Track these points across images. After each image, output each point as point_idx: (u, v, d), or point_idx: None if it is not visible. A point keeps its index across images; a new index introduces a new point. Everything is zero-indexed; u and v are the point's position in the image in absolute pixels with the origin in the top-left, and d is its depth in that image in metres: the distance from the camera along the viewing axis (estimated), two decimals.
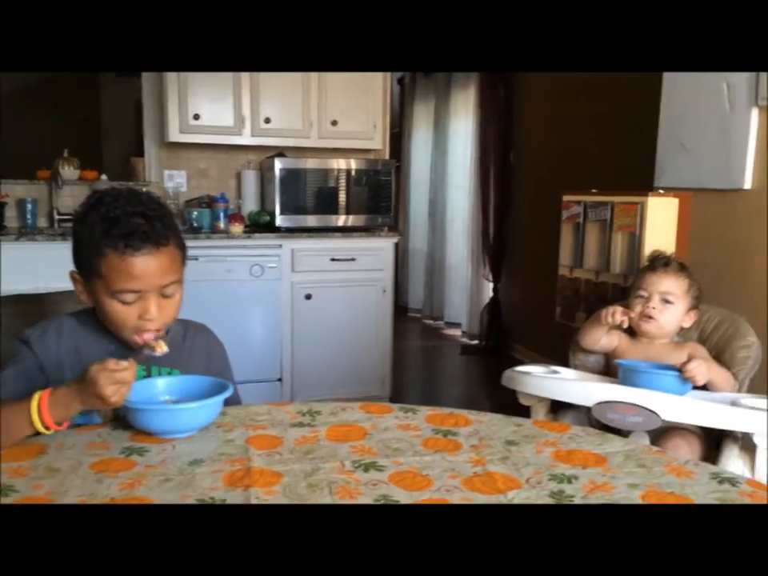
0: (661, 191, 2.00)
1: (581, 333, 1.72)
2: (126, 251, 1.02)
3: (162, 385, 1.10)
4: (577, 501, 0.83)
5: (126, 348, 1.11)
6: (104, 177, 3.48)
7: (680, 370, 1.46)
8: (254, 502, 0.81)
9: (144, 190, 1.23)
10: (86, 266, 1.07)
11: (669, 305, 1.64)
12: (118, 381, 0.94)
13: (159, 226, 1.06)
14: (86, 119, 5.47)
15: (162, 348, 1.07)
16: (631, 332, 1.71)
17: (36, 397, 0.96)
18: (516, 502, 0.83)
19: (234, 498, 0.83)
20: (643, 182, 2.26)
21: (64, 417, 0.98)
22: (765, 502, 0.84)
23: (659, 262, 1.68)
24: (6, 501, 0.81)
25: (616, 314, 1.61)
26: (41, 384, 1.03)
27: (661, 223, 1.90)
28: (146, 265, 1.04)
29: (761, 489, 0.89)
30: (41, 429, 0.96)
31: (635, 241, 1.91)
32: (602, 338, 1.68)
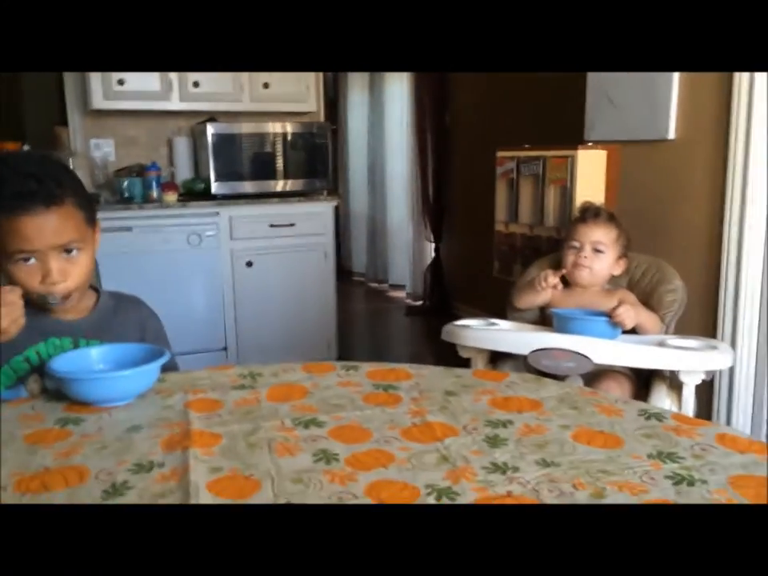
0: (590, 144, 2.04)
1: (515, 296, 1.77)
2: (14, 212, 1.01)
3: (96, 354, 1.08)
4: (510, 444, 0.86)
5: (53, 323, 1.09)
6: (26, 148, 3.33)
7: (610, 315, 1.52)
8: (191, 462, 0.81)
9: (46, 154, 1.20)
10: None
11: (600, 254, 1.69)
12: (6, 303, 0.94)
13: (52, 185, 1.04)
14: (5, 87, 5.18)
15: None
16: (565, 282, 1.76)
17: None
18: (452, 448, 0.85)
19: (173, 460, 0.82)
20: (574, 137, 2.30)
21: None
22: (690, 435, 0.89)
23: (589, 213, 1.73)
24: None
25: (549, 277, 1.66)
26: None
27: (590, 175, 1.95)
28: (38, 224, 1.02)
29: (685, 423, 0.94)
30: None
31: (567, 194, 1.96)
32: (536, 300, 1.73)
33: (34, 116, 5.14)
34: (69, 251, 1.07)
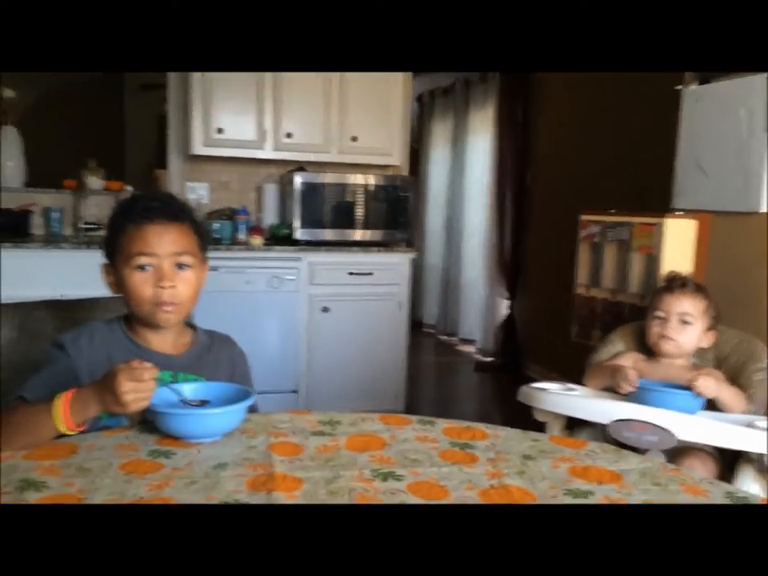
0: (679, 213, 2.01)
1: (589, 376, 1.72)
2: (141, 222, 1.15)
3: (187, 390, 1.13)
4: None
5: (154, 357, 1.15)
6: (129, 188, 3.55)
7: (689, 384, 1.48)
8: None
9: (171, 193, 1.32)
10: (111, 248, 1.18)
11: (687, 325, 1.65)
12: (137, 378, 0.97)
13: (176, 207, 1.20)
14: (109, 129, 5.56)
15: None
16: (649, 352, 1.72)
17: (60, 397, 0.99)
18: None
19: (257, 501, 0.85)
20: (660, 203, 2.28)
21: (83, 418, 1.00)
22: None
23: (676, 282, 1.70)
24: (39, 496, 0.84)
25: (633, 380, 1.54)
26: (72, 388, 1.07)
27: (679, 244, 1.92)
28: (160, 231, 1.15)
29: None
30: (62, 429, 0.99)
31: (653, 261, 1.93)
32: (610, 384, 1.64)
33: (134, 158, 5.50)
34: (181, 266, 1.17)
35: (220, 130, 3.33)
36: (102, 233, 2.87)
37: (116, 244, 1.17)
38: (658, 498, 0.91)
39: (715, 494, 0.94)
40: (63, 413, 0.98)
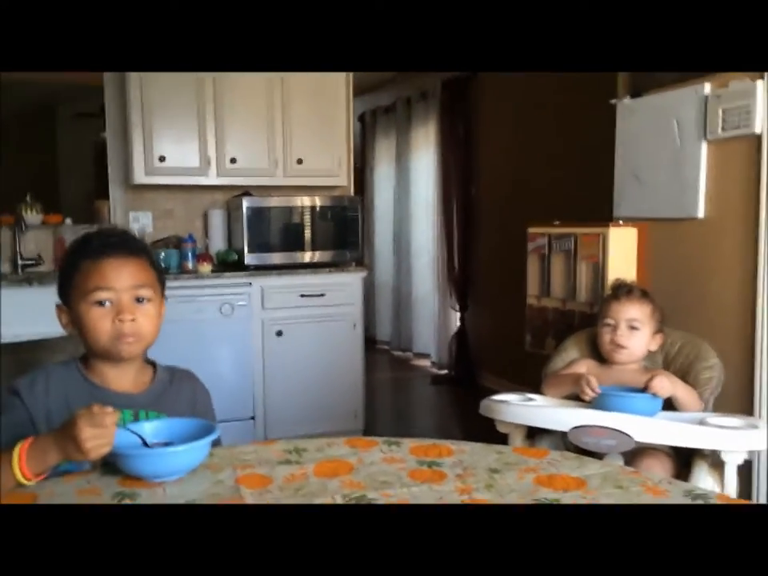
0: (620, 222, 2.09)
1: (548, 385, 1.76)
2: (99, 257, 1.13)
3: (148, 429, 1.11)
4: None
5: (114, 397, 1.13)
6: (68, 221, 3.47)
7: (646, 386, 1.53)
8: None
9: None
10: (66, 285, 1.16)
11: (635, 330, 1.71)
12: (98, 424, 0.95)
13: (133, 242, 1.20)
14: (43, 161, 5.40)
15: None
16: (601, 358, 1.77)
17: (18, 447, 0.96)
18: None
19: None
20: (601, 212, 2.36)
21: (42, 467, 0.97)
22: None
23: (622, 290, 1.76)
24: None
25: (594, 386, 1.57)
26: (30, 435, 1.04)
27: (621, 252, 1.99)
28: (117, 266, 1.14)
29: (730, 503, 0.94)
30: (21, 480, 0.96)
31: (599, 270, 2.00)
32: (570, 391, 1.68)
33: (72, 189, 5.35)
34: (140, 300, 1.15)
35: (162, 158, 3.28)
36: (43, 268, 2.78)
37: (71, 282, 1.15)
38: (621, 499, 0.94)
39: (674, 492, 0.97)
40: (20, 462, 0.95)
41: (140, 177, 3.29)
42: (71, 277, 1.15)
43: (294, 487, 1.00)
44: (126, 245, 1.17)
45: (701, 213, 2.03)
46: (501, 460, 1.12)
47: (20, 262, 3.29)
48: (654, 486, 1.00)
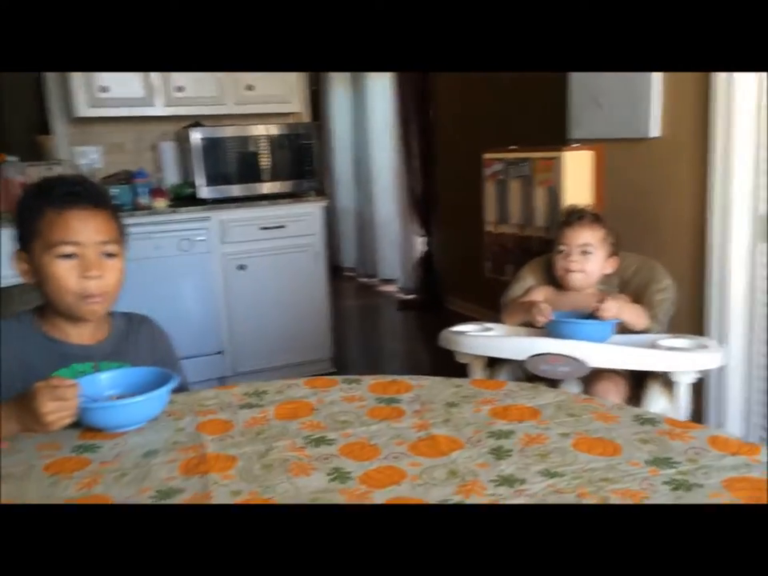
0: (575, 145, 2.08)
1: (506, 314, 1.78)
2: (63, 207, 1.09)
3: (106, 380, 1.11)
4: (515, 456, 0.90)
5: (72, 350, 1.11)
6: (13, 158, 3.32)
7: (594, 313, 1.57)
8: (212, 488, 0.84)
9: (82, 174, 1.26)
10: (26, 233, 1.11)
11: (588, 255, 1.73)
12: (59, 397, 0.94)
13: (96, 192, 1.15)
14: None
15: None
16: (558, 284, 1.80)
17: None
18: (459, 462, 0.89)
19: (192, 485, 0.85)
20: (558, 134, 2.34)
21: (2, 435, 0.97)
22: (683, 438, 0.93)
23: (573, 216, 1.77)
24: None
25: (547, 313, 1.60)
26: None
27: (577, 176, 1.99)
28: (83, 219, 1.10)
29: (678, 426, 0.98)
30: None
31: (555, 194, 2.00)
32: (527, 319, 1.70)
33: (11, 125, 5.10)
34: (106, 255, 1.13)
35: (104, 89, 3.13)
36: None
37: (33, 229, 1.10)
38: (572, 429, 0.98)
39: (624, 418, 1.01)
40: None
41: (83, 109, 3.15)
42: (33, 224, 1.10)
43: (255, 431, 1.02)
44: (91, 195, 1.13)
45: (654, 132, 2.03)
46: (458, 393, 1.14)
47: None
48: (605, 413, 1.03)
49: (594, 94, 2.15)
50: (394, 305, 4.91)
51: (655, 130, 2.03)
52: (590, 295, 1.74)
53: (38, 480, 0.89)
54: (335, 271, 5.73)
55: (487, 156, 2.23)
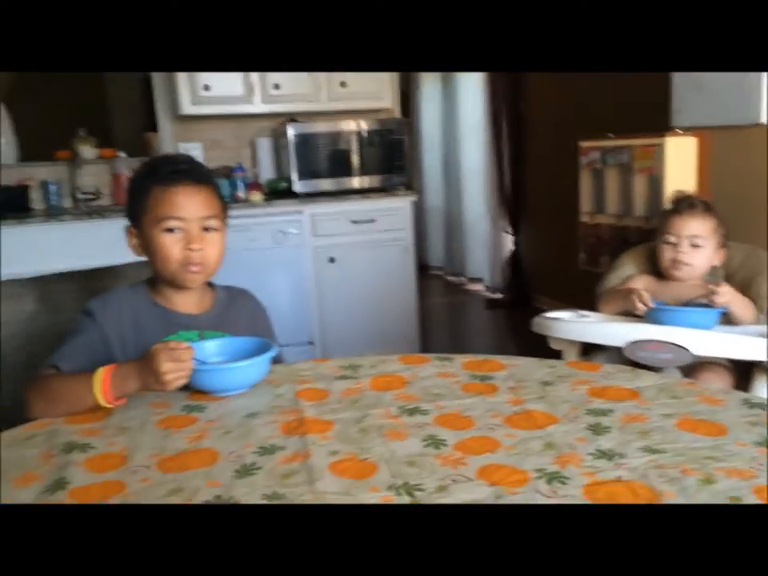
0: (679, 131, 2.00)
1: (602, 303, 1.72)
2: (169, 184, 1.16)
3: (212, 347, 1.16)
4: (614, 432, 0.88)
5: (180, 318, 1.18)
6: (122, 154, 3.53)
7: (707, 304, 1.50)
8: (311, 447, 0.87)
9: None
10: (136, 209, 1.19)
11: (698, 248, 1.65)
12: (176, 359, 1.00)
13: (200, 170, 1.22)
14: (94, 97, 5.47)
15: None
16: (659, 273, 1.74)
17: (100, 372, 1.01)
18: (556, 435, 0.88)
19: (293, 444, 0.89)
20: (658, 122, 2.26)
21: (122, 393, 1.03)
22: None
23: (684, 203, 1.68)
24: (85, 456, 0.88)
25: (647, 301, 1.55)
26: (103, 355, 1.10)
27: (680, 163, 1.92)
28: (187, 195, 1.17)
29: None
30: (102, 402, 1.02)
31: (655, 182, 1.93)
32: (625, 308, 1.64)
33: (123, 124, 5.42)
34: (207, 229, 1.19)
35: (207, 87, 3.28)
36: (101, 202, 2.84)
37: (142, 206, 1.17)
38: (675, 410, 0.94)
39: (730, 401, 0.97)
40: (104, 387, 1.01)
41: (187, 107, 3.31)
42: (142, 201, 1.17)
43: (351, 400, 1.04)
44: (195, 173, 1.19)
45: (764, 118, 1.93)
46: (553, 373, 1.13)
47: (79, 195, 3.39)
48: (711, 396, 1.00)
49: (698, 80, 2.06)
50: (481, 303, 4.87)
51: (766, 115, 1.92)
52: (693, 287, 1.67)
53: (151, 433, 0.95)
54: (423, 269, 5.76)
55: (584, 144, 2.18)
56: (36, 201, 3.33)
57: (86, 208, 3.27)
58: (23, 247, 2.77)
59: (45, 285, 1.41)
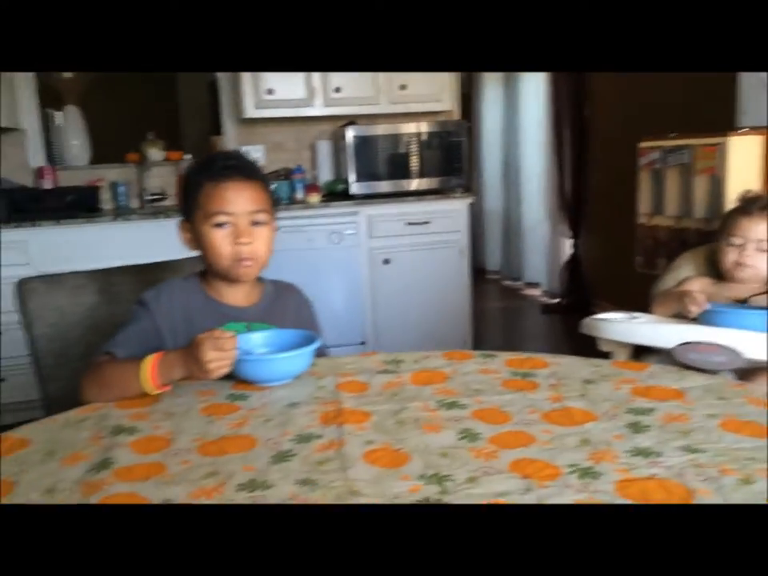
0: (743, 130, 1.92)
1: (656, 304, 1.68)
2: (219, 180, 1.19)
3: (258, 338, 1.20)
4: (653, 431, 0.87)
5: (229, 310, 1.22)
6: (188, 156, 3.65)
7: (764, 307, 1.44)
8: (346, 437, 0.89)
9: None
10: (189, 205, 1.23)
11: (763, 252, 1.58)
12: (219, 348, 1.03)
13: (250, 165, 1.25)
14: (164, 101, 5.69)
15: None
16: (718, 275, 1.68)
17: (148, 359, 1.06)
18: (594, 432, 0.87)
19: (330, 433, 0.91)
20: (723, 122, 2.18)
21: (168, 380, 1.07)
22: None
23: (756, 204, 1.60)
24: (131, 438, 0.92)
25: (702, 302, 1.51)
26: (156, 343, 1.15)
27: (744, 163, 1.85)
28: (237, 189, 1.20)
29: None
30: (148, 389, 1.06)
31: (717, 183, 1.86)
32: (678, 310, 1.59)
33: (190, 128, 5.61)
34: (256, 223, 1.22)
35: (270, 91, 3.36)
36: (167, 202, 2.95)
37: (194, 201, 1.21)
38: (721, 411, 0.92)
39: None
40: (151, 374, 1.05)
41: (250, 110, 3.39)
42: (194, 196, 1.21)
43: (391, 393, 1.05)
44: (244, 168, 1.23)
45: None
46: (597, 372, 1.11)
47: (146, 196, 3.52)
48: (760, 398, 0.96)
49: (763, 75, 1.98)
50: (537, 308, 4.80)
51: None
52: (753, 289, 1.61)
53: (195, 419, 0.98)
54: (480, 273, 5.72)
55: (643, 144, 2.13)
56: (105, 201, 3.48)
57: (152, 208, 3.40)
58: (92, 245, 2.90)
59: (105, 277, 1.47)
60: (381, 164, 3.41)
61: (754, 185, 1.85)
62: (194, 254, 1.29)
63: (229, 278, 1.24)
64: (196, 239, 1.24)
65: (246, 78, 3.33)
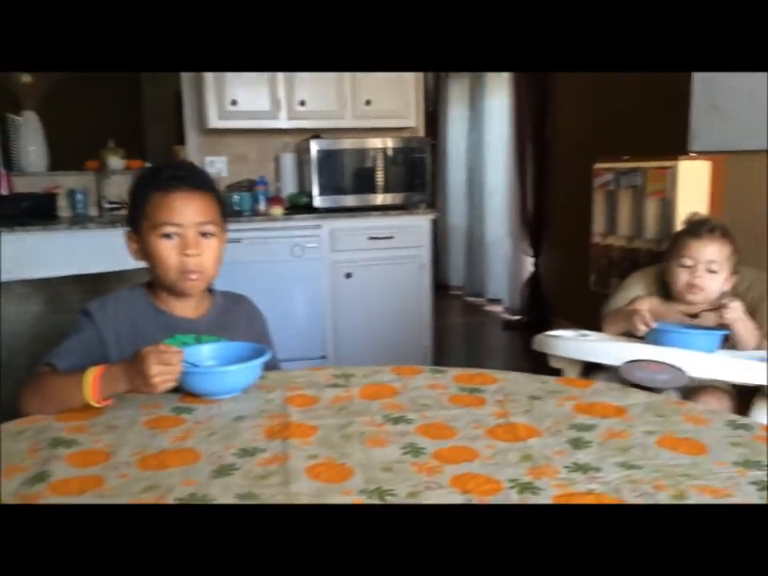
0: (692, 155, 1.99)
1: (606, 323, 1.71)
2: (167, 190, 1.18)
3: (206, 351, 1.19)
4: (593, 447, 0.88)
5: (177, 322, 1.20)
6: (149, 165, 3.61)
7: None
8: (290, 451, 0.88)
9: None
10: (137, 215, 1.21)
11: (713, 273, 1.63)
12: (165, 362, 1.02)
13: (199, 176, 1.24)
14: (128, 109, 5.62)
15: None
16: (666, 295, 1.72)
17: (90, 372, 1.04)
18: (536, 448, 0.88)
19: (274, 447, 0.90)
20: (678, 147, 2.24)
21: (110, 393, 1.05)
22: None
23: (703, 227, 1.64)
24: (69, 451, 0.90)
25: (650, 322, 1.54)
26: (99, 355, 1.13)
27: (693, 187, 1.90)
28: (185, 200, 1.19)
29: None
30: (91, 402, 1.04)
31: (667, 205, 1.92)
32: (627, 328, 1.63)
33: (154, 136, 5.56)
34: (205, 234, 1.21)
35: (234, 102, 3.35)
36: (125, 212, 2.89)
37: (141, 211, 1.20)
38: (659, 428, 0.94)
39: (716, 422, 0.96)
40: (92, 387, 1.03)
41: (214, 121, 3.37)
42: (142, 206, 1.20)
43: (338, 407, 1.05)
44: (193, 178, 1.22)
45: None
46: (543, 388, 1.13)
47: (105, 205, 3.47)
48: (697, 416, 0.99)
49: (716, 101, 2.05)
50: (499, 325, 4.85)
51: None
52: (700, 308, 1.65)
53: (138, 432, 0.97)
54: (443, 289, 5.75)
55: (598, 166, 2.18)
56: (63, 209, 3.41)
57: (111, 217, 3.35)
58: (47, 253, 2.84)
59: (53, 287, 1.45)
60: (345, 178, 3.41)
61: (702, 208, 1.91)
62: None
63: (175, 291, 1.23)
64: (143, 250, 1.22)
65: (210, 88, 3.32)
